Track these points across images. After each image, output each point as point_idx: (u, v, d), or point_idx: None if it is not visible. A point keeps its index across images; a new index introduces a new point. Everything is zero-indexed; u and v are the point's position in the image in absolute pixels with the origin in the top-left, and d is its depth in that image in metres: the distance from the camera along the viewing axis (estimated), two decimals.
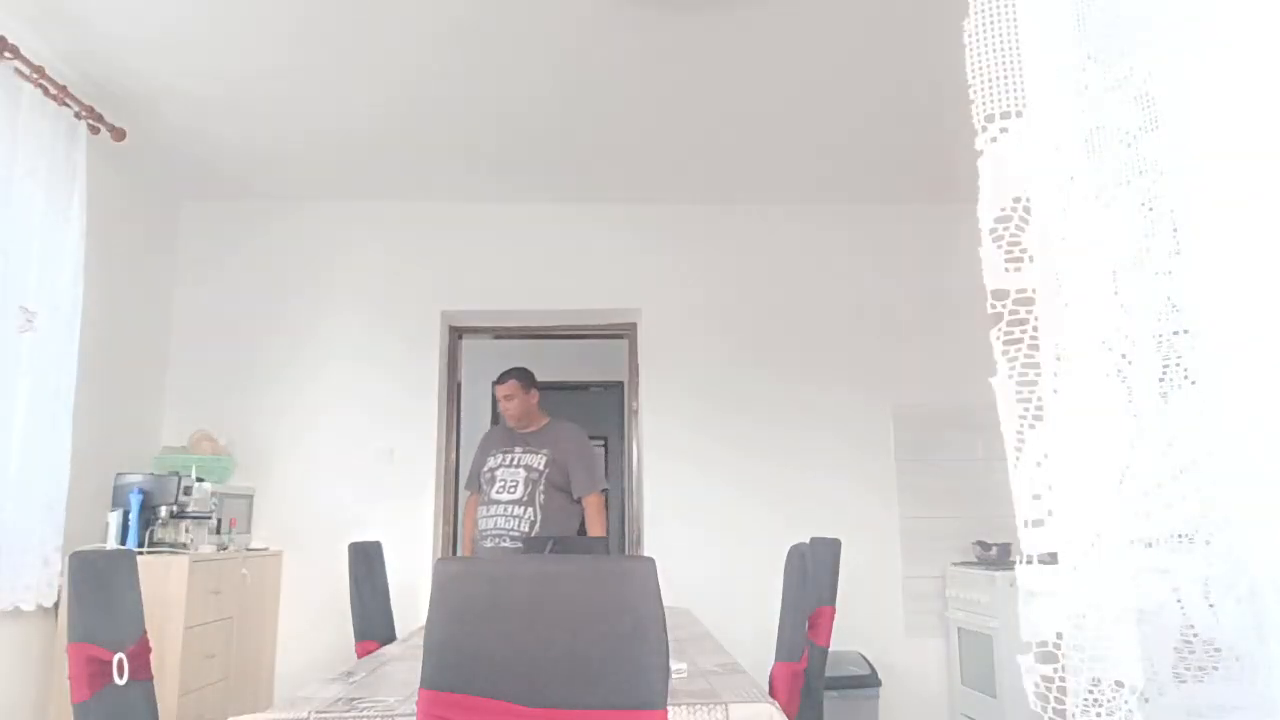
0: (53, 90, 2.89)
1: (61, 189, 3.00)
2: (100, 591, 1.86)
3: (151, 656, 2.05)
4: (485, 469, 3.76)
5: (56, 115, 2.97)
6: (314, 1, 2.68)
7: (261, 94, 3.24)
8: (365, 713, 1.62)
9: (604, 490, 3.84)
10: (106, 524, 3.30)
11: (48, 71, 2.85)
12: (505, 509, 3.64)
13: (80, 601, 1.81)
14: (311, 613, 3.90)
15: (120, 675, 1.85)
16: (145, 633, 1.99)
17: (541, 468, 3.71)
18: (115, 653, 1.84)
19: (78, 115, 3.08)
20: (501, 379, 3.77)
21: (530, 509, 3.65)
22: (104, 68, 3.04)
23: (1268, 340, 0.77)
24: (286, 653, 3.89)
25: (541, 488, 3.68)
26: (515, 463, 3.72)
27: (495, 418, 5.16)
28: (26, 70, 2.77)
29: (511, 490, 3.65)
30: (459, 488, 4.50)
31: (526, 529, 3.61)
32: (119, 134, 3.29)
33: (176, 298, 4.16)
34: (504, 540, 3.61)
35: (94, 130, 3.18)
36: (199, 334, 4.12)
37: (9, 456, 2.76)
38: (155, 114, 3.37)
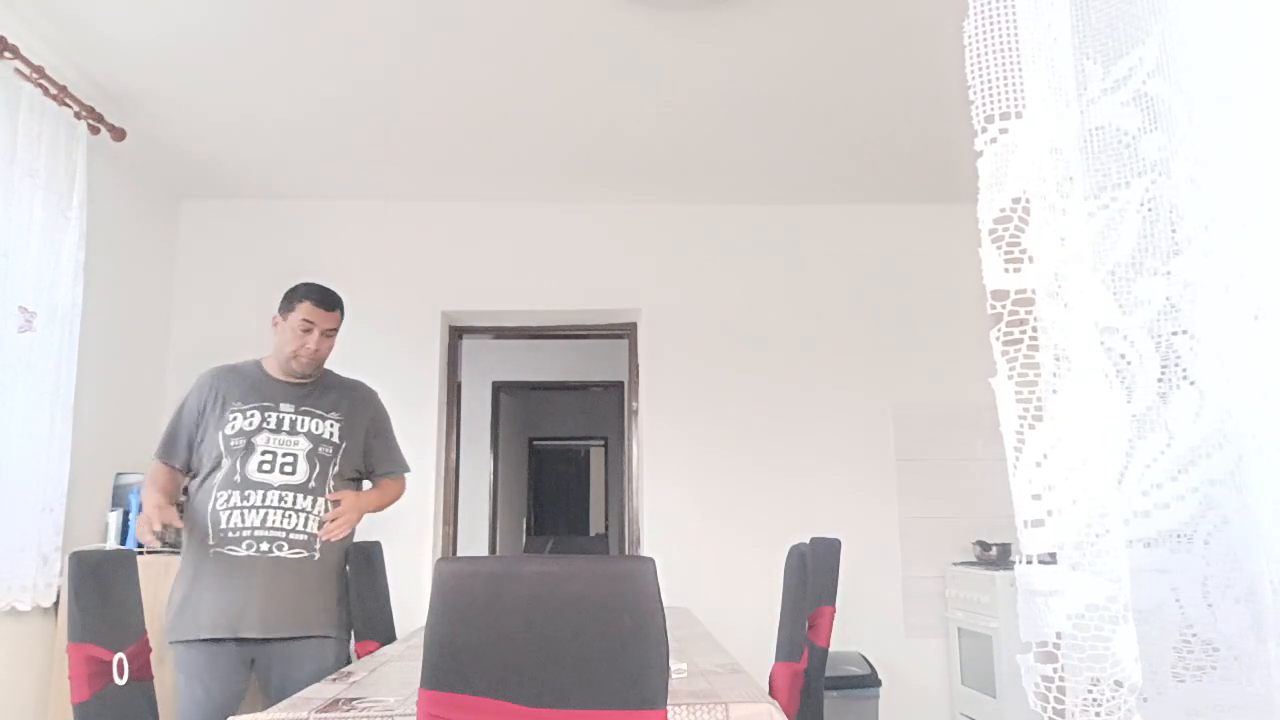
0: (53, 90, 2.89)
1: (61, 189, 3.00)
2: (100, 591, 1.86)
3: (152, 656, 2.05)
4: (231, 430, 2.46)
5: (56, 115, 2.97)
6: (314, 3, 2.68)
7: (261, 94, 3.24)
8: (365, 713, 1.62)
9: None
10: (106, 524, 3.30)
11: (48, 71, 2.85)
12: (280, 496, 2.42)
13: (80, 601, 1.81)
14: None
15: (120, 675, 1.85)
16: (145, 632, 1.99)
17: (336, 439, 2.55)
18: (115, 652, 1.84)
19: (78, 115, 3.08)
20: (332, 302, 2.60)
21: (320, 502, 2.48)
22: (104, 68, 3.04)
23: (1266, 338, 0.77)
24: None
25: (335, 469, 2.54)
26: (291, 427, 2.50)
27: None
28: (26, 70, 2.77)
29: (287, 469, 2.44)
30: (459, 487, 4.47)
31: (316, 529, 2.46)
32: (119, 134, 3.29)
33: (176, 298, 4.16)
34: (279, 546, 2.39)
35: (94, 130, 3.18)
36: (199, 334, 4.12)
37: (8, 456, 2.76)
38: (155, 114, 3.37)
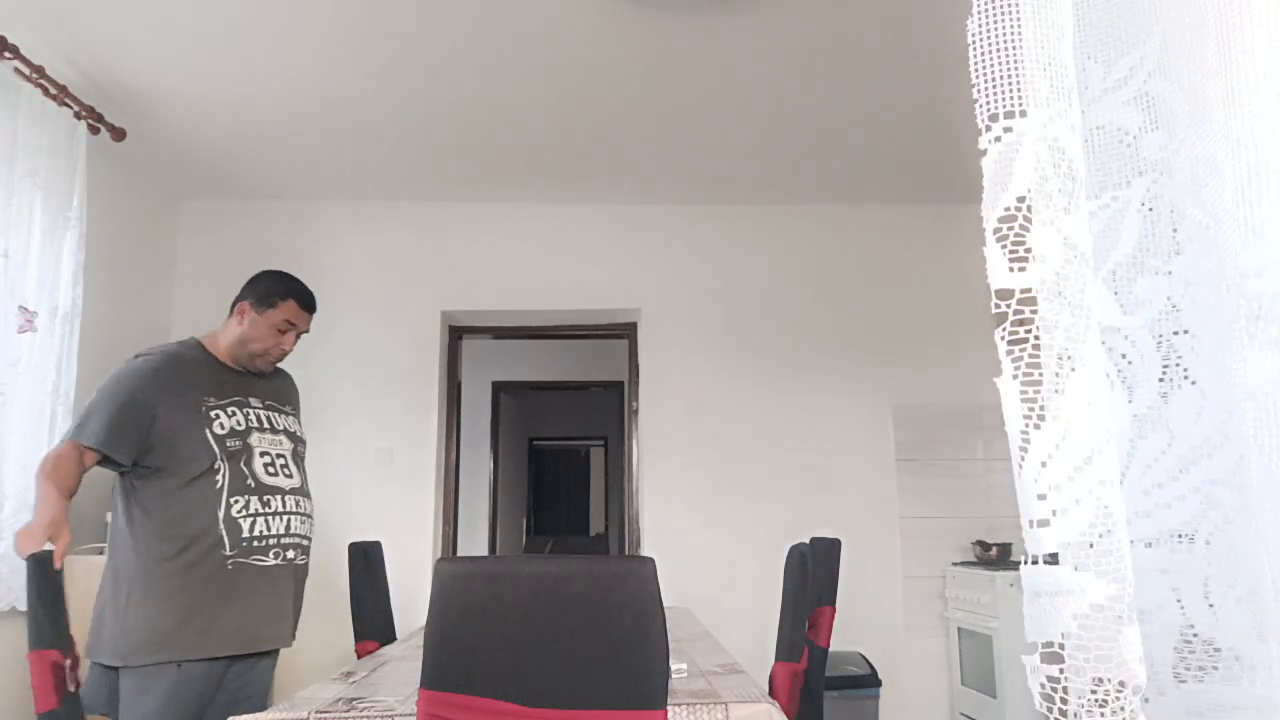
0: (53, 90, 2.89)
1: (61, 189, 3.00)
2: (55, 594, 1.81)
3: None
4: (221, 430, 2.23)
5: (56, 115, 2.97)
6: (314, 4, 2.68)
7: (261, 94, 3.24)
8: (365, 713, 1.62)
9: None
10: (106, 524, 3.29)
11: (48, 71, 2.85)
12: (296, 501, 2.33)
13: (44, 606, 1.77)
14: (311, 613, 3.89)
15: (73, 683, 1.81)
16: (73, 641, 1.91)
17: (303, 435, 2.48)
18: (67, 658, 1.81)
19: (78, 115, 3.08)
20: (314, 305, 2.47)
21: (312, 504, 2.42)
22: (104, 68, 3.04)
23: (1267, 337, 0.77)
24: (286, 653, 3.88)
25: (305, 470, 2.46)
26: (271, 425, 2.35)
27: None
28: (26, 70, 2.77)
29: (286, 472, 2.32)
30: (459, 487, 4.47)
31: (312, 536, 2.41)
32: (119, 134, 3.29)
33: (176, 298, 4.15)
34: (300, 554, 2.33)
35: (94, 130, 3.18)
36: (198, 334, 4.12)
37: (9, 457, 2.76)
38: (155, 114, 3.37)
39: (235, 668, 2.24)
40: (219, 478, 2.19)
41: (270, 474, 2.28)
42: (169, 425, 2.17)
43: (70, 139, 3.06)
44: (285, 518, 2.28)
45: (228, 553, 2.17)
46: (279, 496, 2.28)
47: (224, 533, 2.17)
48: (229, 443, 2.23)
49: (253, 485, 2.24)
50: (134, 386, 2.18)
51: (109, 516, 3.35)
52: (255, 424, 2.31)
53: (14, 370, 2.78)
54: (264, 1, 2.67)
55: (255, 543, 2.21)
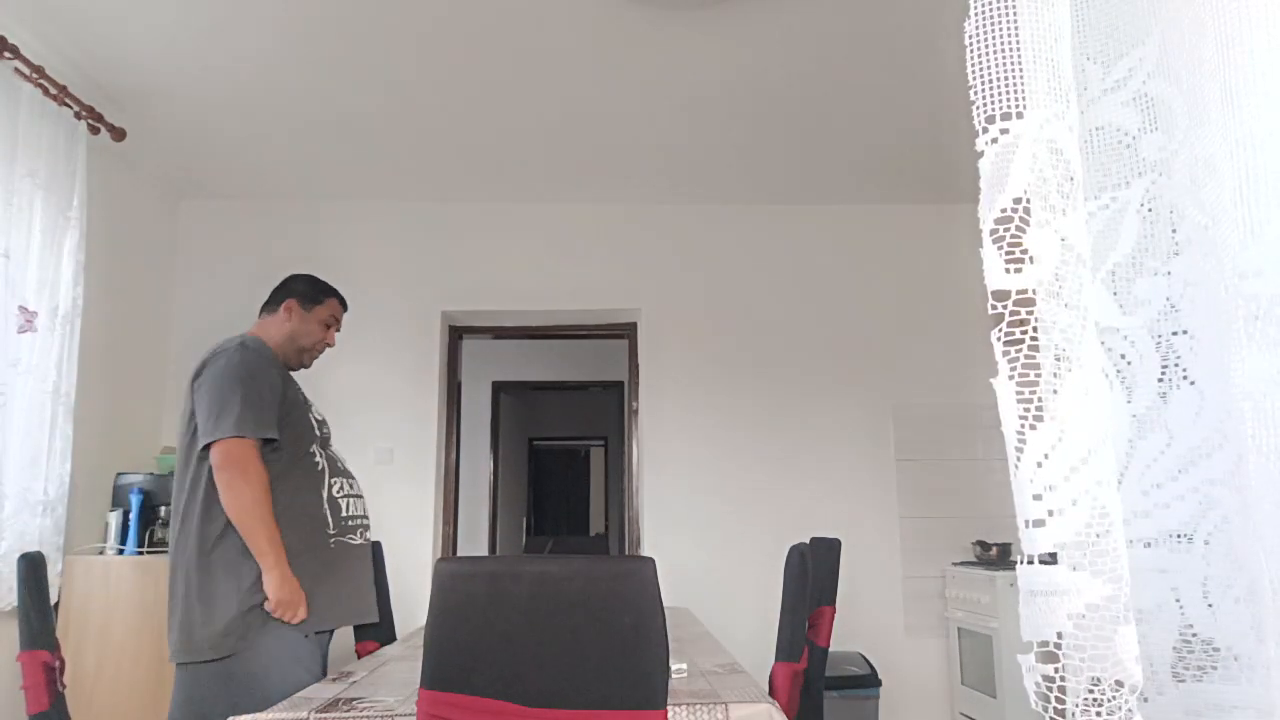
0: (53, 90, 2.89)
1: (61, 189, 3.00)
2: (45, 595, 1.81)
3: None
4: (317, 415, 2.38)
5: (56, 115, 2.97)
6: (314, 4, 2.68)
7: (262, 94, 3.24)
8: (365, 713, 1.62)
9: None
10: (106, 524, 3.30)
11: (48, 71, 2.85)
12: (357, 485, 2.44)
13: (36, 605, 1.77)
14: None
15: (62, 683, 1.81)
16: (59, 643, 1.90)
17: None
18: (56, 658, 1.80)
19: (78, 115, 3.08)
20: (346, 303, 2.61)
21: None
22: (104, 68, 3.04)
23: (1266, 338, 0.77)
24: None
25: None
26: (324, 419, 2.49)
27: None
28: (26, 70, 2.77)
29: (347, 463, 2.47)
30: (459, 487, 4.48)
31: None
32: (119, 134, 3.29)
33: (176, 298, 4.16)
34: (369, 533, 2.44)
35: (94, 130, 3.18)
36: (199, 334, 4.12)
37: (9, 456, 2.76)
38: (155, 114, 3.37)
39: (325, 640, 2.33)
40: (319, 460, 2.29)
41: (343, 460, 2.42)
42: (289, 409, 2.26)
43: (70, 139, 3.06)
44: (362, 500, 2.41)
45: (330, 531, 2.25)
46: (355, 481, 2.41)
47: (328, 513, 2.26)
48: (323, 429, 2.37)
49: (341, 468, 2.36)
50: (256, 371, 2.21)
51: (109, 517, 3.37)
52: (321, 417, 2.42)
53: (14, 370, 2.78)
54: (265, 4, 2.68)
55: (349, 522, 2.32)
